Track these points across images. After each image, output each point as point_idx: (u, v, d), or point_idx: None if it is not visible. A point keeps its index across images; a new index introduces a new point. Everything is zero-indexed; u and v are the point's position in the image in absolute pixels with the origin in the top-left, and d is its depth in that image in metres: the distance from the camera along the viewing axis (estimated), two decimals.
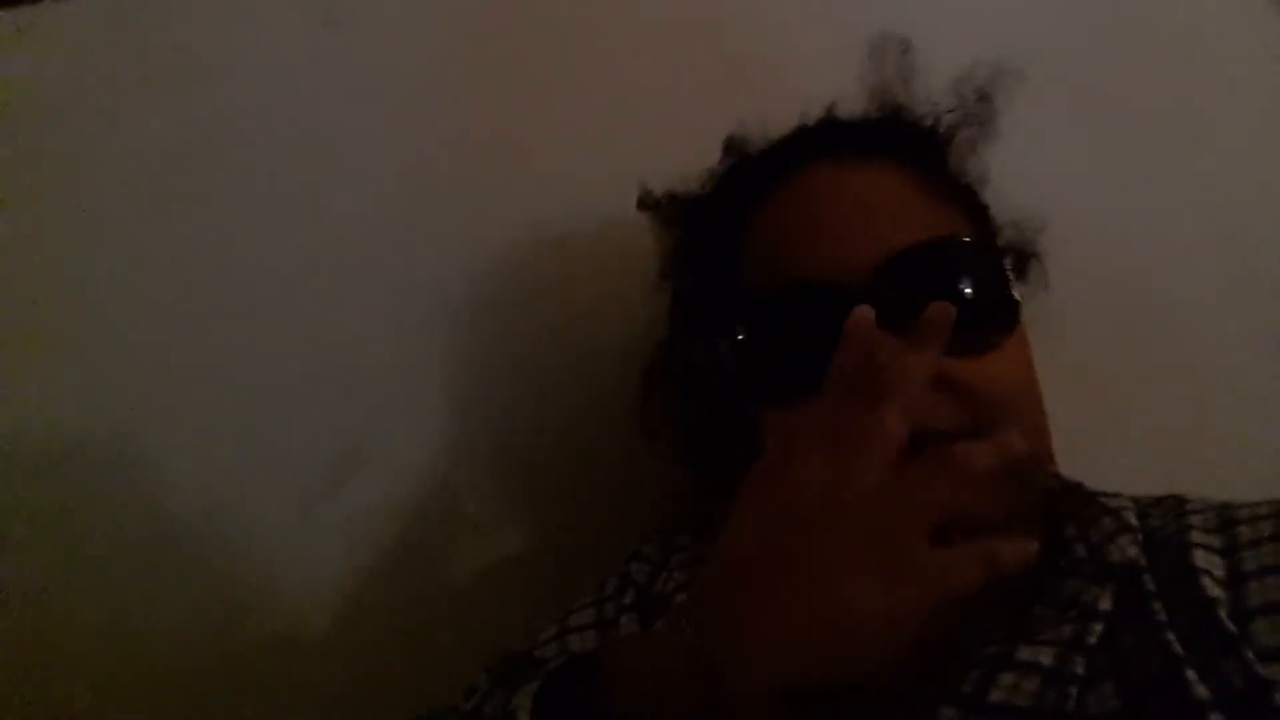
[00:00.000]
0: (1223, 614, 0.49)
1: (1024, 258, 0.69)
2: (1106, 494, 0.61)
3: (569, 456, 0.84)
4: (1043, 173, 0.84)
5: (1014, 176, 0.70)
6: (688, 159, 0.74)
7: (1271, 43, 0.97)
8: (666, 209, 0.73)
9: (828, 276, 0.58)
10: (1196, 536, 0.54)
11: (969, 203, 0.66)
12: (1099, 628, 0.52)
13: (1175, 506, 0.58)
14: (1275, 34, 0.96)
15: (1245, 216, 0.91)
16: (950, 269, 0.59)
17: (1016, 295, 0.60)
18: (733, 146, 0.71)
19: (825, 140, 0.66)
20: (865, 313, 0.51)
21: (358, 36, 0.88)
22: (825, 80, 0.69)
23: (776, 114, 0.70)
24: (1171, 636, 0.49)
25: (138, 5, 0.86)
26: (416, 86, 0.88)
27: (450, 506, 0.82)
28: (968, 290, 0.58)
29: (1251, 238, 0.91)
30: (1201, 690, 0.47)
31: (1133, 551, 0.55)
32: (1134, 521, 0.57)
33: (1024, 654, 0.51)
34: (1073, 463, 0.64)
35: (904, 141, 0.66)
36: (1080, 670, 0.50)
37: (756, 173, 0.67)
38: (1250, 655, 0.47)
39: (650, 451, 0.73)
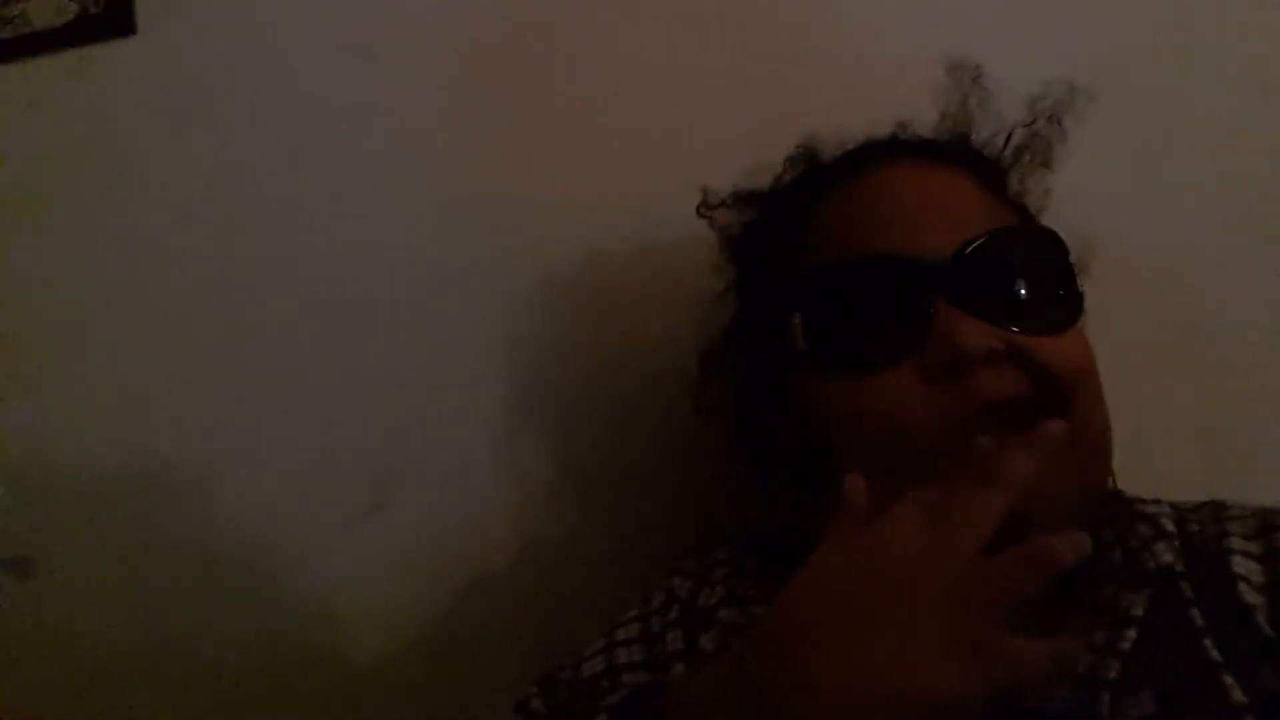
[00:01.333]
0: (1260, 620, 0.49)
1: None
2: (1144, 500, 0.61)
3: (609, 471, 0.84)
4: (1076, 179, 0.84)
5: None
6: (720, 174, 0.75)
7: None
8: (730, 207, 0.74)
9: (908, 251, 0.59)
10: (1235, 543, 0.54)
11: (1027, 218, 0.69)
12: (1133, 633, 0.52)
13: (1214, 512, 0.58)
14: None
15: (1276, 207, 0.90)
16: (1023, 254, 0.61)
17: (1081, 289, 0.62)
18: (805, 150, 0.73)
19: (902, 146, 0.69)
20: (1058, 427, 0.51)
21: (391, 63, 0.90)
22: (879, 98, 0.71)
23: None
24: (1208, 642, 0.50)
25: (184, 43, 0.90)
26: (450, 110, 0.89)
27: (493, 521, 0.83)
28: (1039, 276, 0.60)
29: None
30: (1239, 695, 0.47)
31: (1168, 558, 0.55)
32: (1171, 528, 0.57)
33: None
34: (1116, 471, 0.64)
35: (971, 155, 0.69)
36: (1113, 674, 0.50)
37: (832, 167, 0.69)
38: None
39: (681, 459, 0.73)
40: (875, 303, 0.60)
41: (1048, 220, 0.69)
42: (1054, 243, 0.63)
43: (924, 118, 0.71)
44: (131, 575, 0.81)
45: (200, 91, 0.89)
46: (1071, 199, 0.70)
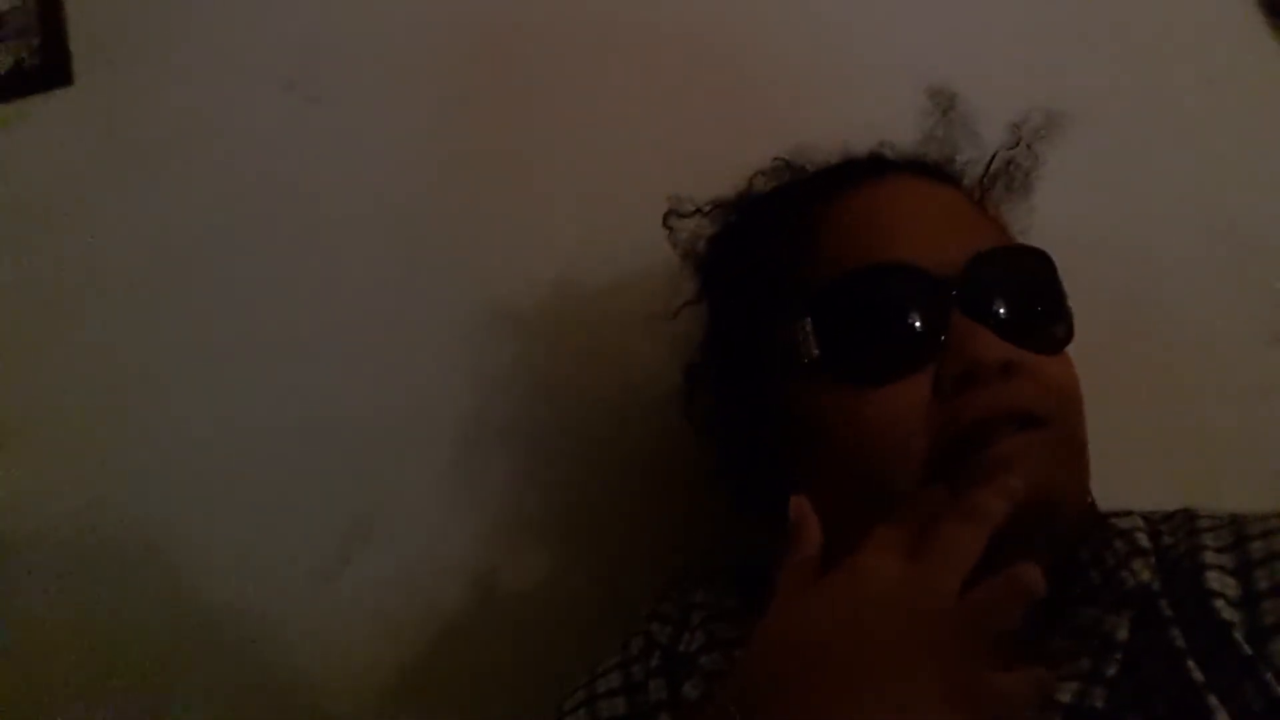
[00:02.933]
0: (1239, 637, 0.49)
1: None
2: (1117, 513, 0.61)
3: (581, 509, 0.83)
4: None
5: None
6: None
7: (1255, 39, 0.97)
8: (711, 213, 0.73)
9: (923, 262, 0.59)
10: (1209, 557, 0.54)
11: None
12: (1118, 659, 0.52)
13: (1186, 523, 0.58)
14: (1258, 30, 0.96)
15: (1237, 213, 0.91)
16: (1029, 272, 0.62)
17: (1071, 309, 0.63)
18: (788, 161, 0.73)
19: (896, 161, 0.69)
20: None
21: (338, 104, 0.89)
22: (850, 125, 0.71)
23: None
24: (1191, 663, 0.50)
25: (123, 92, 0.88)
26: (402, 148, 0.89)
27: (464, 566, 0.82)
28: (1042, 294, 0.62)
29: (1245, 234, 0.91)
30: (1224, 716, 0.47)
31: (1146, 575, 0.55)
32: (1146, 543, 0.57)
33: None
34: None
35: (957, 180, 0.69)
36: (1100, 704, 0.50)
37: (830, 176, 0.69)
38: (1269, 677, 0.47)
39: (654, 500, 0.73)
40: (890, 313, 0.59)
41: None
42: (1050, 264, 0.64)
43: (903, 144, 0.71)
44: (96, 637, 0.79)
45: (141, 140, 0.88)
46: (1041, 216, 0.70)
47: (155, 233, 0.86)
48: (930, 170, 0.68)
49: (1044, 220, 0.77)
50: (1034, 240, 0.69)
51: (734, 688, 0.49)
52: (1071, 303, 0.63)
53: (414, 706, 0.80)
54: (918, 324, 0.58)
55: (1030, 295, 0.60)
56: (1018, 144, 0.71)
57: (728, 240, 0.72)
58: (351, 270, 0.86)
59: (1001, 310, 0.58)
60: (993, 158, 0.71)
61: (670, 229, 0.75)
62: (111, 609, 0.79)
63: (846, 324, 0.60)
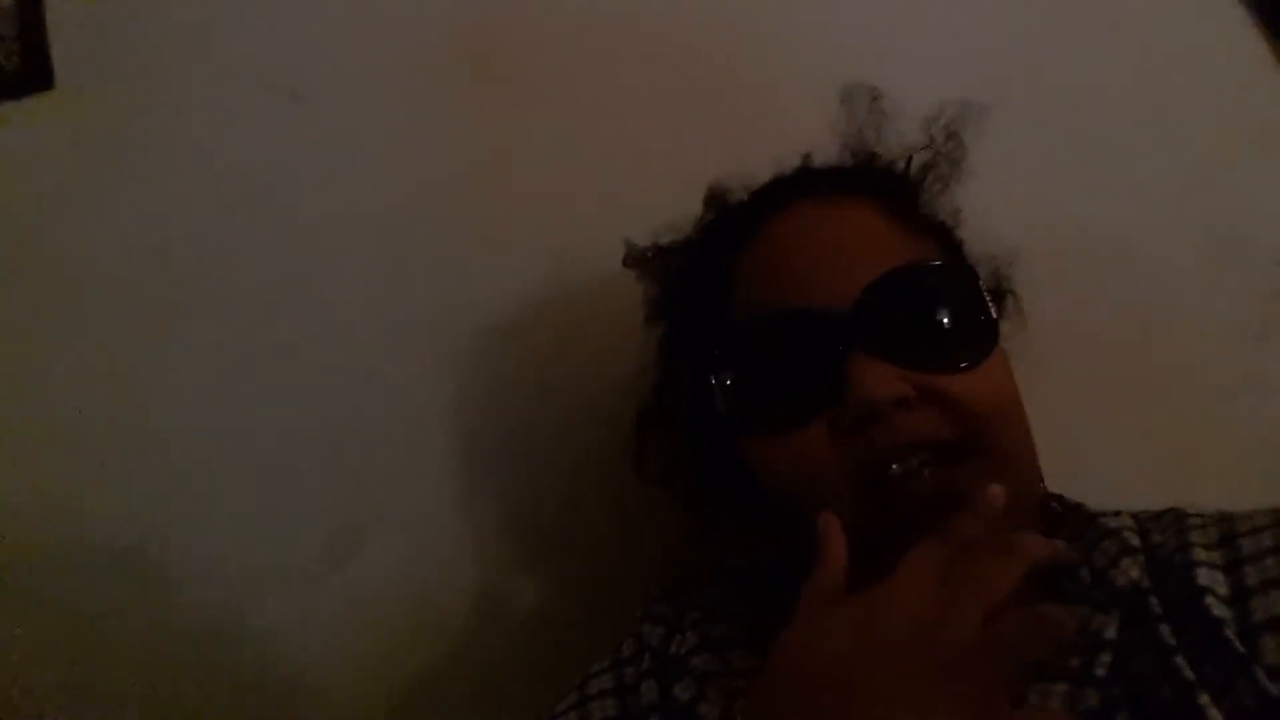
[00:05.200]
0: (1230, 634, 0.49)
1: (1000, 294, 0.69)
2: (1106, 513, 0.61)
3: (571, 514, 0.83)
4: (1014, 186, 0.85)
5: (988, 194, 0.70)
6: (667, 208, 0.74)
7: (1242, 36, 0.98)
8: (652, 260, 0.74)
9: (816, 303, 0.58)
10: (1199, 554, 0.54)
11: (943, 238, 0.67)
12: (1107, 658, 0.52)
13: (1175, 521, 0.58)
14: (1245, 28, 0.96)
15: (1223, 210, 0.92)
16: (929, 291, 0.60)
17: (994, 316, 0.61)
18: (714, 196, 0.72)
19: (803, 184, 0.67)
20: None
21: (323, 106, 0.88)
22: (803, 127, 0.70)
23: (759, 162, 0.70)
24: (1181, 661, 0.50)
25: (104, 95, 0.87)
26: (387, 152, 0.88)
27: (454, 573, 0.82)
28: (947, 311, 0.60)
29: (1230, 230, 0.91)
30: (1215, 713, 0.47)
31: (1135, 574, 0.55)
32: (1136, 542, 0.57)
33: (1034, 695, 0.51)
34: (1068, 477, 0.64)
35: (878, 183, 0.67)
36: (1092, 703, 0.50)
37: (739, 217, 0.68)
38: (1260, 674, 0.47)
39: (646, 503, 0.73)
40: (786, 360, 0.59)
41: (991, 234, 0.69)
42: (960, 273, 0.62)
43: (830, 145, 0.70)
44: (85, 641, 0.79)
45: (124, 144, 0.87)
46: (1018, 210, 0.70)
47: (138, 237, 0.85)
48: (841, 185, 0.66)
49: (1030, 219, 0.77)
50: (1019, 239, 0.69)
51: (755, 701, 0.49)
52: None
53: (406, 710, 0.79)
54: (811, 369, 0.57)
55: (934, 315, 0.58)
56: (933, 139, 0.70)
57: (663, 296, 0.73)
58: (338, 273, 0.86)
59: (899, 339, 0.56)
60: (909, 160, 0.70)
61: (633, 268, 0.75)
62: (102, 613, 0.79)
63: (746, 377, 0.61)
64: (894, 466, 0.55)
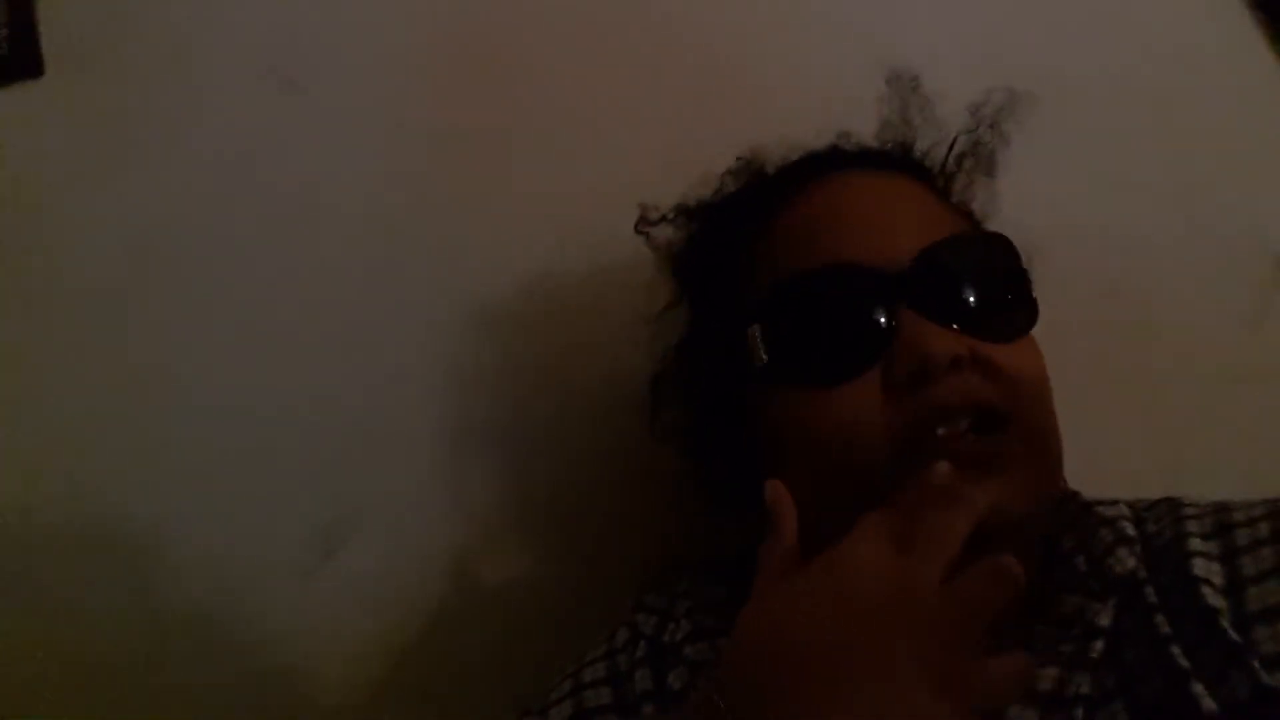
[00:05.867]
0: (1225, 623, 0.49)
1: None
2: (1102, 502, 0.61)
3: (563, 501, 0.83)
4: (1021, 182, 0.85)
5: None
6: (665, 195, 0.74)
7: (1235, 25, 0.98)
8: (674, 220, 0.73)
9: (869, 260, 0.58)
10: (1194, 544, 0.54)
11: (975, 225, 0.69)
12: (1100, 645, 0.52)
13: (1171, 511, 0.58)
14: (1239, 16, 0.96)
15: (1215, 199, 0.92)
16: (982, 261, 0.61)
17: (1034, 295, 0.63)
18: (749, 161, 0.72)
19: (849, 155, 0.68)
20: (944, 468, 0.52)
21: (319, 92, 0.87)
22: (803, 120, 0.70)
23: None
24: (1176, 650, 0.50)
25: (95, 82, 0.86)
26: (382, 139, 0.87)
27: (448, 560, 0.82)
28: (998, 283, 0.61)
29: (1222, 220, 0.91)
30: (1209, 703, 0.47)
31: (1131, 563, 0.55)
32: (1131, 532, 0.57)
33: None
34: (1064, 466, 0.64)
35: (916, 165, 0.69)
36: (1085, 689, 0.50)
37: (782, 177, 0.68)
38: (1255, 664, 0.48)
39: (640, 492, 0.73)
40: (837, 314, 0.59)
41: (993, 226, 0.69)
42: (1009, 250, 0.63)
43: (866, 129, 0.70)
44: (78, 631, 0.78)
45: (115, 132, 0.86)
46: (1017, 203, 0.70)
47: (130, 226, 0.84)
48: (884, 161, 0.67)
49: (1022, 206, 0.77)
50: (1012, 226, 0.69)
51: (719, 677, 0.49)
52: (1049, 288, 0.63)
53: (399, 699, 0.79)
54: (863, 323, 0.57)
55: (984, 284, 0.59)
56: (979, 125, 0.71)
57: (690, 250, 0.72)
58: (332, 262, 0.85)
59: (952, 303, 0.58)
60: (954, 142, 0.71)
61: (644, 234, 0.75)
62: (94, 604, 0.78)
63: (792, 329, 0.61)
64: (940, 430, 0.55)
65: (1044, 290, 0.64)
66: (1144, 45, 0.96)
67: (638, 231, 0.75)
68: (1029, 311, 0.62)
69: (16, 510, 0.79)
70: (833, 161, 0.67)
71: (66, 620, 0.78)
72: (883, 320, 0.57)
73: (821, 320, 0.60)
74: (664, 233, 0.74)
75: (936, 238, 0.59)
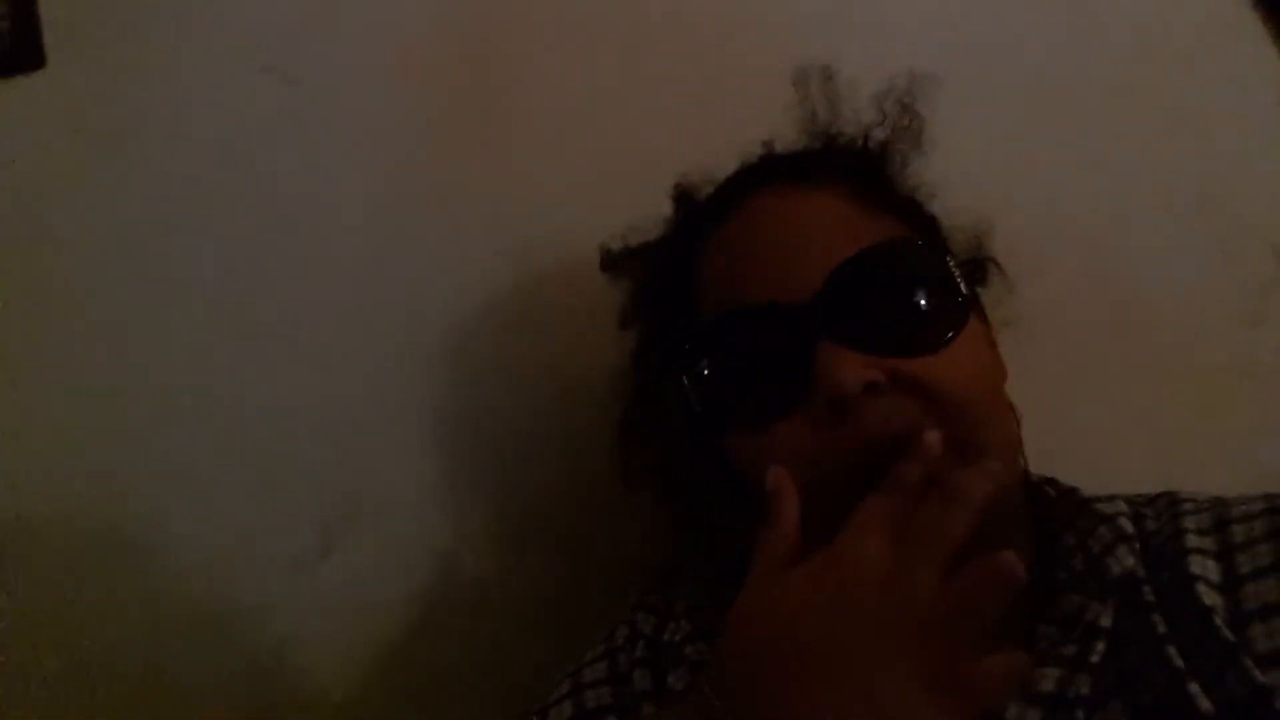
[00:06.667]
0: (1220, 622, 0.49)
1: (979, 262, 0.69)
2: (1100, 498, 0.61)
3: (559, 498, 0.83)
4: (1003, 169, 0.85)
5: (976, 178, 0.70)
6: (649, 198, 0.73)
7: (1234, 17, 0.97)
8: (624, 262, 0.73)
9: (774, 297, 0.58)
10: (1191, 540, 0.54)
11: (912, 214, 0.66)
12: (1101, 646, 0.52)
13: (1169, 506, 0.58)
14: (1238, 7, 0.96)
15: (1215, 196, 0.92)
16: (891, 274, 0.59)
17: (964, 292, 0.60)
18: (681, 193, 0.72)
19: (765, 173, 0.67)
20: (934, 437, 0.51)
21: (315, 87, 0.87)
22: (766, 113, 0.69)
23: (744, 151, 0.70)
24: (1172, 650, 0.50)
25: (96, 74, 0.86)
26: (377, 134, 0.87)
27: (444, 556, 0.82)
28: (912, 293, 0.58)
29: (1222, 217, 0.91)
30: (1205, 703, 0.47)
31: (1130, 562, 0.55)
32: (1130, 529, 0.57)
33: None
34: (1062, 462, 0.64)
35: (840, 165, 0.66)
36: (1085, 691, 0.50)
37: (704, 213, 0.68)
38: (1249, 663, 0.48)
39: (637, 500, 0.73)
40: (755, 356, 0.59)
41: (958, 209, 0.68)
42: (925, 251, 0.62)
43: (865, 125, 0.69)
44: (78, 628, 0.78)
45: (116, 123, 0.86)
46: (1016, 199, 0.70)
47: (130, 217, 0.84)
48: (803, 171, 0.65)
49: (1022, 204, 0.77)
50: (1011, 223, 0.69)
51: (714, 672, 0.49)
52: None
53: (397, 694, 0.79)
54: (780, 361, 0.56)
55: (897, 299, 0.58)
56: (885, 115, 0.69)
57: (635, 299, 0.72)
58: (330, 256, 0.85)
59: (865, 325, 0.56)
60: (865, 138, 0.69)
61: (610, 271, 0.74)
62: (93, 600, 0.78)
63: (715, 377, 0.60)
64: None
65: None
66: (1145, 40, 0.95)
67: (603, 270, 0.74)
68: (956, 315, 0.58)
69: (14, 508, 0.79)
70: (752, 182, 0.66)
71: (71, 619, 0.78)
72: (799, 357, 0.56)
73: (741, 365, 0.59)
74: (628, 269, 0.74)
75: (849, 254, 0.57)
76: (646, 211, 0.73)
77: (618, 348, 0.73)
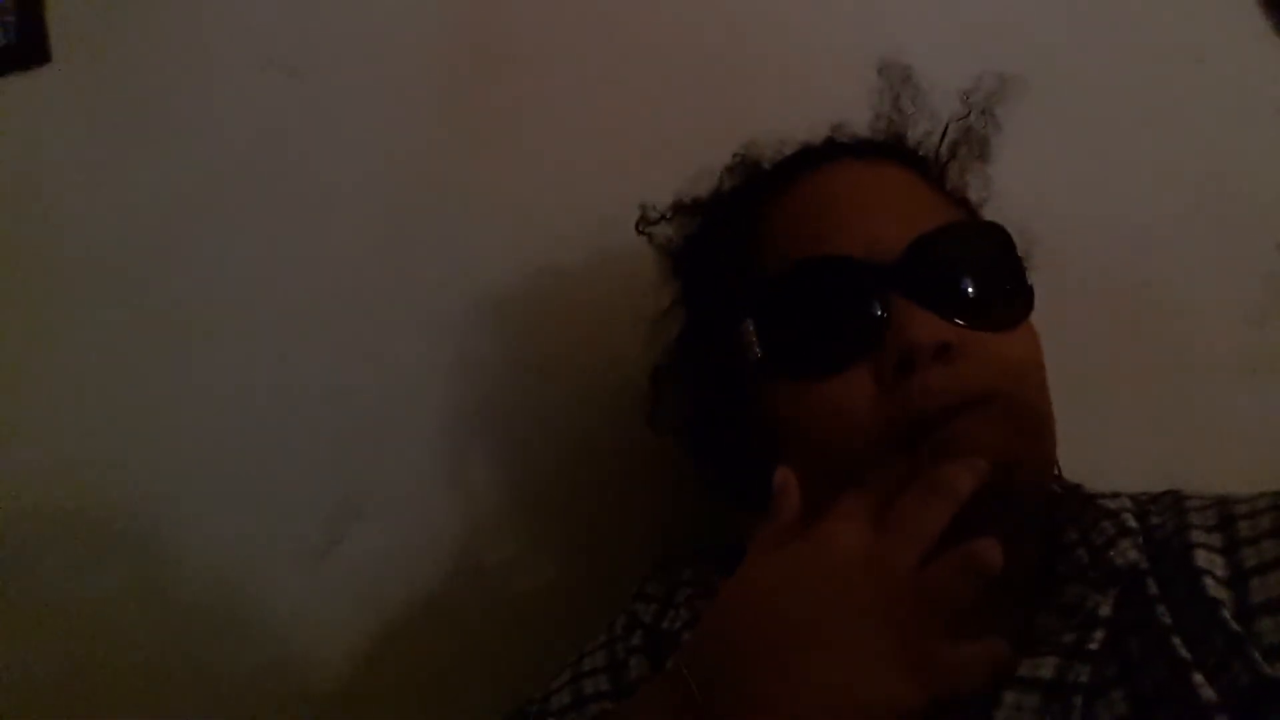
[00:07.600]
0: (1226, 614, 0.49)
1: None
2: (1104, 495, 0.61)
3: (566, 490, 0.83)
4: (1006, 168, 0.85)
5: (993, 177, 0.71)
6: (667, 185, 0.74)
7: (1243, 10, 0.97)
8: (672, 219, 0.73)
9: (861, 252, 0.58)
10: (1197, 535, 0.54)
11: (970, 213, 0.68)
12: (1100, 634, 0.52)
13: (1174, 504, 0.58)
14: (1243, 11, 0.96)
15: (1223, 193, 0.91)
16: (975, 250, 0.61)
17: (1029, 283, 0.62)
18: (744, 156, 0.72)
19: (841, 146, 0.68)
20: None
21: (322, 82, 0.87)
22: (804, 106, 0.70)
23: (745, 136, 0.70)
24: (1177, 640, 0.50)
25: (102, 70, 0.86)
26: (385, 128, 0.87)
27: (452, 547, 0.82)
28: (991, 272, 0.60)
29: (1231, 214, 0.91)
30: (1209, 693, 0.47)
31: (1133, 555, 0.55)
32: (1133, 524, 0.57)
33: (1024, 669, 0.52)
34: (1067, 459, 0.64)
35: (910, 155, 0.68)
36: (1084, 678, 0.50)
37: (775, 170, 0.68)
38: (1256, 655, 0.48)
39: (641, 481, 0.73)
40: (829, 306, 0.59)
41: (992, 214, 0.69)
42: (1004, 239, 0.63)
43: (863, 120, 0.70)
44: (83, 622, 0.78)
45: (121, 119, 0.86)
46: (1023, 195, 0.69)
47: (135, 213, 0.84)
48: (876, 151, 0.67)
49: (1026, 197, 0.76)
50: (1018, 217, 0.69)
51: (690, 650, 0.50)
52: (1055, 280, 0.63)
53: (402, 686, 0.80)
54: (854, 315, 0.57)
55: (977, 273, 0.59)
56: (969, 112, 0.70)
57: (688, 247, 0.72)
58: (335, 251, 0.85)
59: (945, 291, 0.57)
60: (945, 130, 0.70)
61: (646, 234, 0.74)
62: (98, 593, 0.78)
63: (784, 322, 0.61)
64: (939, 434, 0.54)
65: (1050, 282, 0.64)
66: (1152, 35, 0.95)
67: (639, 231, 0.75)
68: (1024, 301, 0.61)
69: (21, 501, 0.79)
70: (824, 153, 0.67)
71: (74, 614, 0.78)
72: (875, 311, 0.57)
73: (814, 313, 0.60)
74: (664, 231, 0.74)
75: (928, 227, 0.59)
76: (655, 198, 0.73)
77: (626, 339, 0.73)
